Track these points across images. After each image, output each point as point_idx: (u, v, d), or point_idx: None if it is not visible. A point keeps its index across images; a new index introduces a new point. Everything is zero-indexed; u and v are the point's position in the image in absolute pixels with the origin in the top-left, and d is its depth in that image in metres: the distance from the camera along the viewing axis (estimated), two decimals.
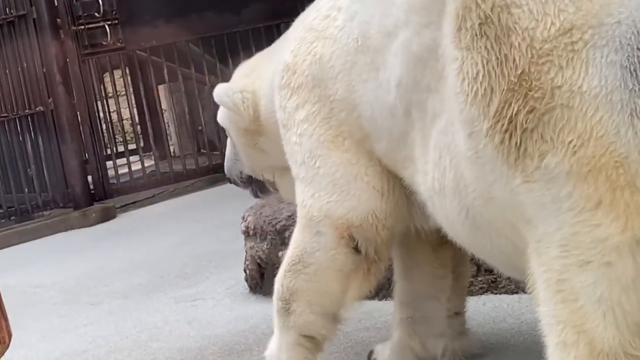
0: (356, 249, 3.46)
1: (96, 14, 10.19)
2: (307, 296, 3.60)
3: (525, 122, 2.49)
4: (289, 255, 3.69)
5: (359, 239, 3.44)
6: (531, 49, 2.49)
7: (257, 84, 4.02)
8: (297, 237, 3.64)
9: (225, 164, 4.48)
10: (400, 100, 3.01)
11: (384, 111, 3.14)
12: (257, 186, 4.42)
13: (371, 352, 4.10)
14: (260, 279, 5.47)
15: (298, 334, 3.68)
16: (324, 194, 3.48)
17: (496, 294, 4.56)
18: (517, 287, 4.38)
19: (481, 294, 4.58)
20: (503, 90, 2.53)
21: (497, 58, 2.54)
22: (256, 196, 4.56)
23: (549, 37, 2.47)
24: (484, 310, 4.43)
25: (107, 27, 10.28)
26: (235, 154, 4.34)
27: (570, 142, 2.43)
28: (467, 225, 2.88)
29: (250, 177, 4.36)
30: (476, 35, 2.58)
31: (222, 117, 4.23)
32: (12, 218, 9.99)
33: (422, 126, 2.95)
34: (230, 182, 4.56)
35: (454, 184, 2.84)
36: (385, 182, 3.41)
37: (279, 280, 3.72)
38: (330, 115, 3.43)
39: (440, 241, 3.65)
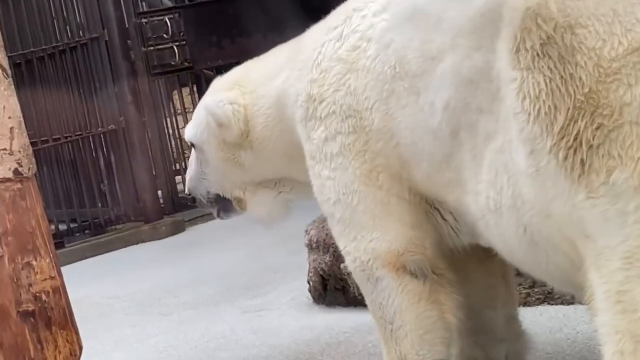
0: (414, 275, 3.41)
1: (164, 35, 10.26)
2: (416, 354, 3.47)
3: (592, 139, 2.46)
4: (377, 329, 3.59)
5: (410, 265, 3.39)
6: (598, 67, 2.46)
7: (249, 99, 3.96)
8: (367, 300, 3.57)
9: (187, 182, 4.39)
10: (447, 123, 2.97)
11: (425, 135, 3.10)
12: (223, 206, 4.33)
13: None
14: (324, 290, 5.47)
15: None
16: (365, 233, 3.44)
17: (552, 304, 4.52)
18: (572, 298, 4.33)
19: (538, 305, 4.54)
20: (569, 108, 2.51)
21: (562, 77, 2.52)
22: (219, 216, 4.46)
23: (617, 56, 2.44)
24: (540, 320, 4.40)
25: (175, 47, 10.34)
26: (202, 173, 4.25)
27: (639, 157, 2.40)
28: (524, 242, 2.84)
29: (217, 196, 4.29)
30: (537, 55, 2.56)
31: (196, 131, 4.15)
32: (86, 232, 10.08)
33: (472, 147, 2.92)
34: (193, 202, 4.46)
35: (511, 202, 2.80)
36: (413, 215, 3.38)
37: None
38: (366, 148, 3.38)
39: (486, 254, 3.60)
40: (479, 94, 2.83)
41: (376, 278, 3.45)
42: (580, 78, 2.49)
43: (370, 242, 3.43)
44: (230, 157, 4.07)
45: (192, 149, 4.29)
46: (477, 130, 2.88)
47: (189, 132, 4.21)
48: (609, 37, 2.46)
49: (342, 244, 3.55)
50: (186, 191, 4.44)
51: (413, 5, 3.18)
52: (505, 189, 2.82)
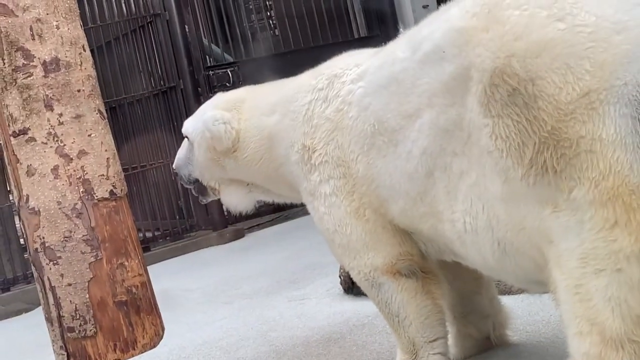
0: (408, 276, 3.44)
1: (227, 84, 10.32)
2: (422, 337, 3.49)
3: (557, 166, 2.48)
4: (387, 323, 3.60)
5: (403, 270, 3.43)
6: (558, 110, 2.48)
7: (243, 125, 3.94)
8: (375, 302, 3.57)
9: (176, 161, 4.32)
10: (423, 166, 2.99)
11: (402, 177, 3.12)
12: (199, 189, 4.30)
13: None
14: (352, 283, 5.43)
15: None
16: (362, 254, 3.46)
17: (531, 293, 4.49)
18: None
19: (519, 294, 4.52)
20: (535, 142, 2.52)
21: (528, 119, 2.53)
22: (197, 197, 4.42)
23: (572, 100, 2.45)
24: (521, 305, 4.39)
25: None
26: (188, 159, 4.20)
27: (593, 177, 2.42)
28: (497, 253, 2.86)
29: (196, 180, 4.25)
30: (506, 104, 2.58)
31: (193, 131, 4.10)
32: (167, 238, 10.11)
33: (446, 184, 2.93)
34: (175, 176, 4.42)
35: (486, 224, 2.81)
36: (397, 237, 3.39)
37: (400, 347, 3.58)
38: (354, 190, 3.40)
39: None
40: (453, 140, 2.84)
41: (379, 284, 3.47)
42: (544, 119, 2.51)
43: (368, 260, 3.45)
44: (215, 159, 4.05)
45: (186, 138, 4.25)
46: (451, 170, 2.89)
47: (187, 128, 4.17)
48: (564, 85, 2.47)
49: (346, 262, 3.56)
50: (173, 166, 4.38)
51: (387, 76, 3.19)
52: (480, 214, 2.83)
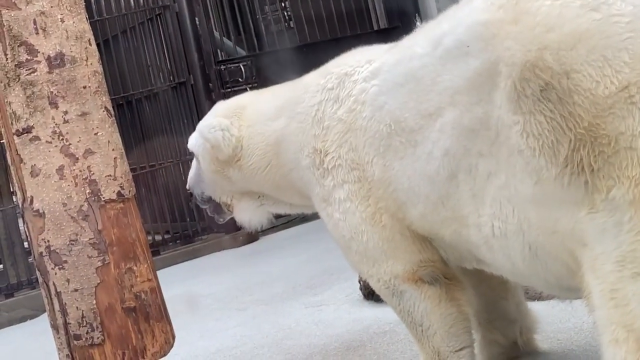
0: (431, 283, 3.41)
1: (239, 79, 10.33)
2: (447, 347, 3.47)
3: (594, 164, 2.47)
4: (409, 332, 3.58)
5: (425, 277, 3.39)
6: (595, 105, 2.46)
7: (245, 132, 3.93)
8: (396, 311, 3.55)
9: (189, 180, 4.34)
10: (445, 168, 2.95)
11: (421, 180, 3.08)
12: (214, 207, 4.31)
13: None
14: (372, 288, 5.47)
15: None
16: (380, 262, 3.43)
17: (562, 300, 4.46)
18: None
19: (550, 300, 4.49)
20: (570, 140, 2.50)
21: (562, 115, 2.52)
22: (214, 217, 4.44)
23: (610, 94, 2.44)
24: (552, 312, 4.36)
25: (248, 89, 10.27)
26: (200, 176, 4.22)
27: (634, 176, 2.41)
28: (528, 258, 2.83)
29: (210, 197, 4.26)
30: (538, 100, 2.56)
31: (196, 144, 4.11)
32: (177, 241, 10.13)
33: (471, 187, 2.89)
34: (191, 195, 4.43)
35: (517, 227, 2.79)
36: (417, 243, 3.35)
37: (424, 357, 3.56)
38: (369, 194, 3.36)
39: None
40: (479, 140, 2.81)
41: (400, 292, 3.44)
42: (579, 115, 2.49)
43: (388, 267, 3.42)
44: (220, 170, 4.06)
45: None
46: (477, 172, 2.86)
47: (191, 142, 4.19)
48: (602, 78, 2.46)
49: (364, 270, 3.54)
50: (187, 186, 4.40)
51: (405, 73, 3.15)
52: (510, 218, 2.80)
